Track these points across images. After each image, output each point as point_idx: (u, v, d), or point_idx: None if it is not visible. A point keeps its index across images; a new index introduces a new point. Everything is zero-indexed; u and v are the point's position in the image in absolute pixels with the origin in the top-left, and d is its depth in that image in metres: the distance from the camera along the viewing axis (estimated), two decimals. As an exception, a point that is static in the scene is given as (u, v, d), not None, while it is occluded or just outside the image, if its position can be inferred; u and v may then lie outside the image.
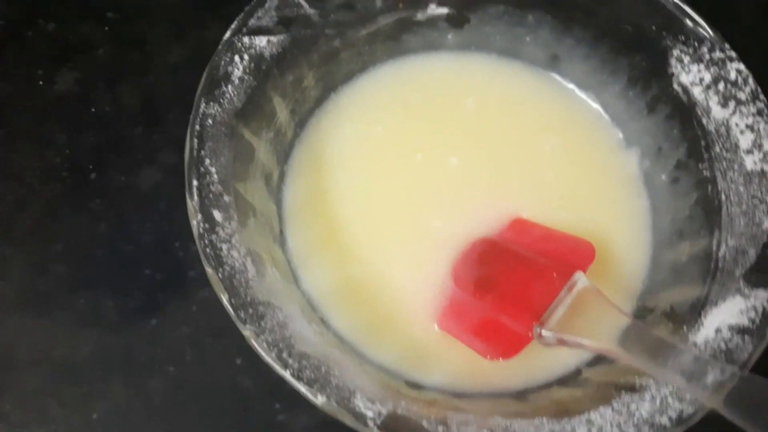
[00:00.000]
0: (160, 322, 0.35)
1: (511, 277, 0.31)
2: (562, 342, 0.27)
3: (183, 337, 0.34)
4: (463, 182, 0.35)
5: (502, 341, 0.29)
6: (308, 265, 0.33)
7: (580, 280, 0.28)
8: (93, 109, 0.39)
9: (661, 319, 0.31)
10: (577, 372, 0.31)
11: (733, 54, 0.32)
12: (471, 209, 0.34)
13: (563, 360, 0.32)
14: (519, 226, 0.33)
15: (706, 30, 0.33)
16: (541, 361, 0.31)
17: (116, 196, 0.38)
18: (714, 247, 0.31)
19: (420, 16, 0.37)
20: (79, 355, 0.34)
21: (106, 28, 0.41)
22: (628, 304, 0.33)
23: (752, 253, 0.29)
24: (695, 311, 0.29)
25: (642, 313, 0.32)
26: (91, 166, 0.38)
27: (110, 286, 0.36)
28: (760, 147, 0.31)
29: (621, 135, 0.37)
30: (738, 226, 0.30)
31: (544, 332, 0.27)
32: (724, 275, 0.30)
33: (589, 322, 0.27)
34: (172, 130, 0.38)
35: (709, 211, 0.32)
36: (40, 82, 0.40)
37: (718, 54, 0.33)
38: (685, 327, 0.29)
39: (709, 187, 0.32)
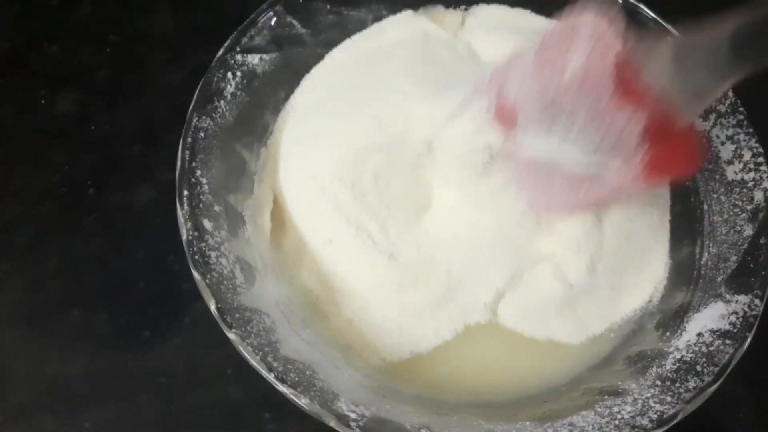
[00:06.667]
0: (153, 335, 0.35)
1: None
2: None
3: (175, 348, 0.35)
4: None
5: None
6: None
7: None
8: (93, 127, 0.40)
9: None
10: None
11: (712, 67, 0.33)
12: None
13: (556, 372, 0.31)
14: None
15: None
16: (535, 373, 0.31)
17: (112, 213, 0.38)
18: (696, 255, 0.31)
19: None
20: (72, 369, 0.35)
21: (108, 50, 0.43)
22: None
23: (733, 260, 0.30)
24: (678, 317, 0.30)
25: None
26: (89, 182, 0.39)
27: (104, 300, 0.36)
28: (740, 157, 0.32)
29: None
30: (719, 234, 0.31)
31: None
32: (706, 282, 0.30)
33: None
34: (168, 150, 0.38)
35: (691, 220, 0.32)
36: (42, 102, 0.41)
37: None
38: (668, 332, 0.29)
39: (692, 198, 0.33)
